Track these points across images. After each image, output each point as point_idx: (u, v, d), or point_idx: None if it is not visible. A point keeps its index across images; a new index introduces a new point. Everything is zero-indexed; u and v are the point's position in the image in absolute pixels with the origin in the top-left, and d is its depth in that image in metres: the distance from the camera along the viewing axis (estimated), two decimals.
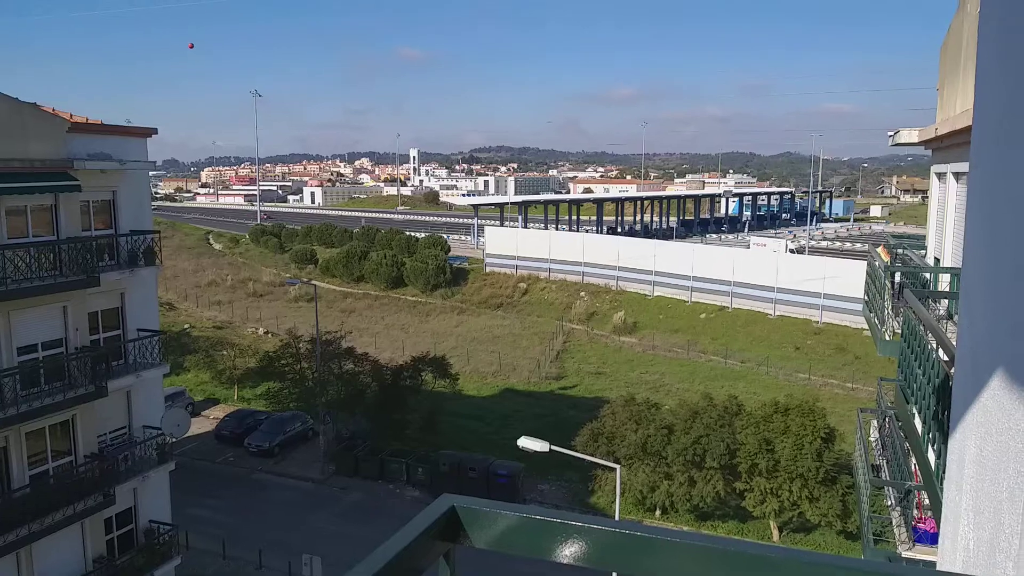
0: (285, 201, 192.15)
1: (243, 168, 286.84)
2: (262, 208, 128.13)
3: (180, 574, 25.19)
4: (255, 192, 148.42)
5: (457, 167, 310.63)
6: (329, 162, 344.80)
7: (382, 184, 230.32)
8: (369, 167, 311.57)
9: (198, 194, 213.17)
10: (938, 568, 2.24)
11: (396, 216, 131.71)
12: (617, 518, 21.61)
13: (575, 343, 56.51)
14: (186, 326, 59.76)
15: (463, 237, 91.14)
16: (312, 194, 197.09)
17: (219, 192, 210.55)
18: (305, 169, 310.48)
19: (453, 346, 53.43)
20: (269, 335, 57.03)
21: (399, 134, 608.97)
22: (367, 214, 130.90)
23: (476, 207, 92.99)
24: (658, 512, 31.52)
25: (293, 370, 40.68)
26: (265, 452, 37.93)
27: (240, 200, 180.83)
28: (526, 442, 21.32)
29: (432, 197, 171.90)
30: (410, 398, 38.46)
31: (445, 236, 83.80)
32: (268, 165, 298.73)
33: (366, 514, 32.13)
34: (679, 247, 68.69)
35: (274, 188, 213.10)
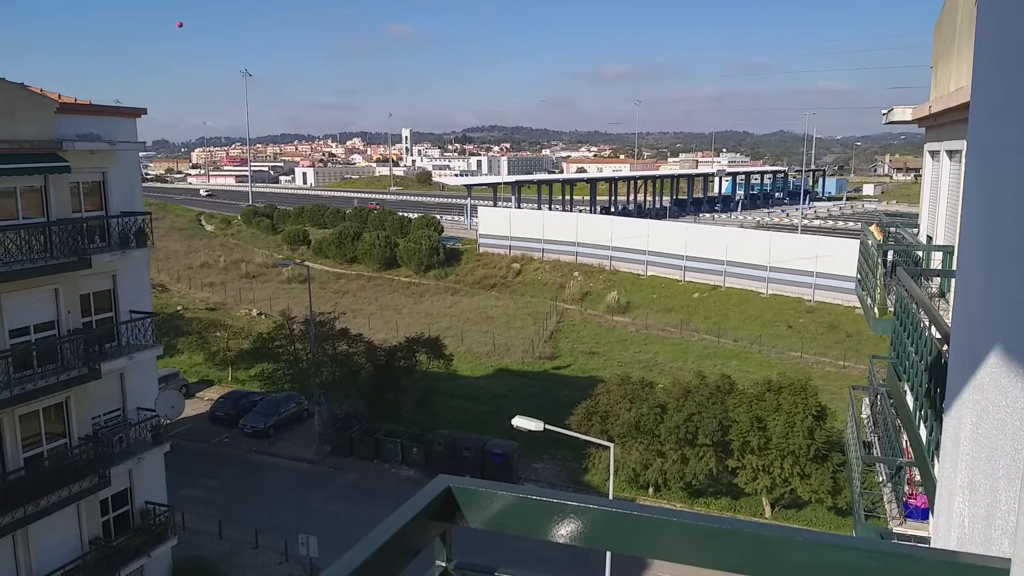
0: (276, 182, 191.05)
1: (234, 148, 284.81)
2: (255, 188, 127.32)
3: (177, 554, 25.33)
4: (247, 172, 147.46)
5: (450, 147, 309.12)
6: (321, 142, 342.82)
7: (374, 164, 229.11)
8: (361, 147, 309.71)
9: (189, 175, 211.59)
10: (932, 544, 2.26)
11: (389, 196, 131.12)
12: (611, 496, 21.80)
13: (569, 323, 56.62)
14: (179, 308, 59.60)
15: (456, 217, 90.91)
16: (304, 174, 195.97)
17: (210, 173, 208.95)
18: (297, 149, 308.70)
19: (447, 327, 53.47)
20: (262, 316, 56.97)
21: (391, 114, 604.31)
22: (359, 194, 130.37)
23: (469, 187, 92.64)
24: (651, 490, 31.77)
25: (287, 351, 40.67)
26: (260, 433, 38.01)
27: (232, 181, 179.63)
28: (520, 421, 21.42)
29: (425, 177, 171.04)
30: (404, 379, 38.52)
31: (438, 217, 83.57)
32: (259, 145, 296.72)
33: (361, 494, 32.31)
34: (672, 226, 68.69)
35: (266, 168, 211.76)
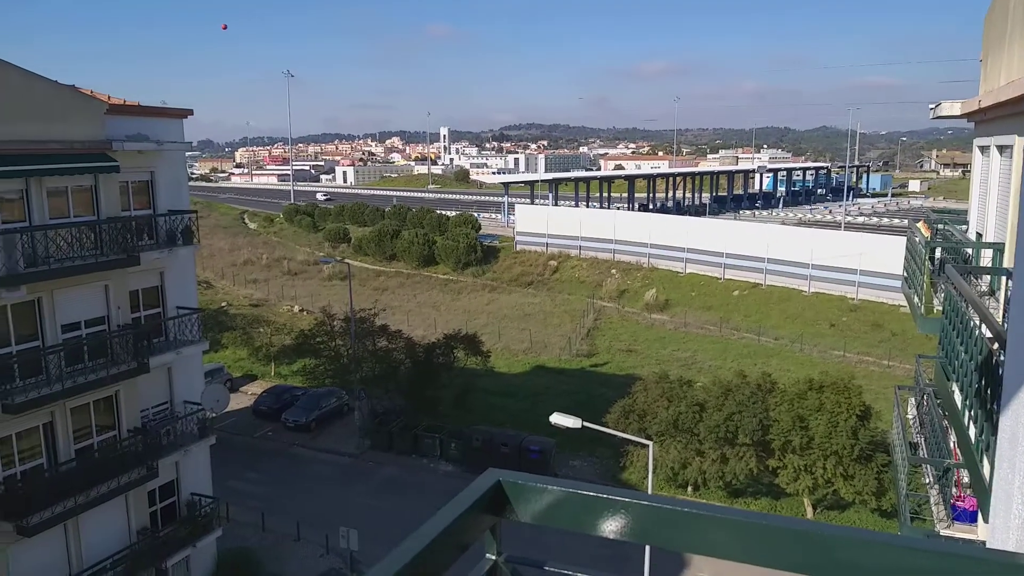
0: (317, 180, 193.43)
1: (276, 148, 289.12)
2: (305, 188, 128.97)
3: (221, 545, 25.84)
4: (288, 172, 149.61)
5: (487, 145, 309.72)
6: (360, 141, 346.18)
7: (413, 163, 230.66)
8: (400, 146, 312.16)
9: (232, 174, 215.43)
10: (988, 545, 2.22)
11: (427, 195, 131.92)
12: (649, 494, 21.64)
13: (606, 321, 56.33)
14: (223, 304, 60.73)
15: (493, 215, 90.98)
16: (344, 173, 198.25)
17: (253, 172, 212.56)
18: (337, 149, 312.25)
19: (484, 323, 53.58)
20: (304, 313, 57.73)
21: (429, 113, 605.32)
22: (398, 193, 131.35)
23: (506, 185, 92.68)
24: (690, 489, 31.47)
25: (328, 347, 41.16)
26: (302, 427, 38.58)
27: (274, 180, 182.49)
28: (558, 418, 21.38)
29: (462, 175, 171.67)
30: (443, 375, 38.75)
31: (475, 214, 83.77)
32: (301, 145, 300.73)
33: (401, 488, 32.60)
34: (712, 224, 67.88)
35: (307, 168, 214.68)
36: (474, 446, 34.01)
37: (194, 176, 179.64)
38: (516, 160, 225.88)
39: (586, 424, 21.54)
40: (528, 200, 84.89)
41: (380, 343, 39.89)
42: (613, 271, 63.98)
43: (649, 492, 21.98)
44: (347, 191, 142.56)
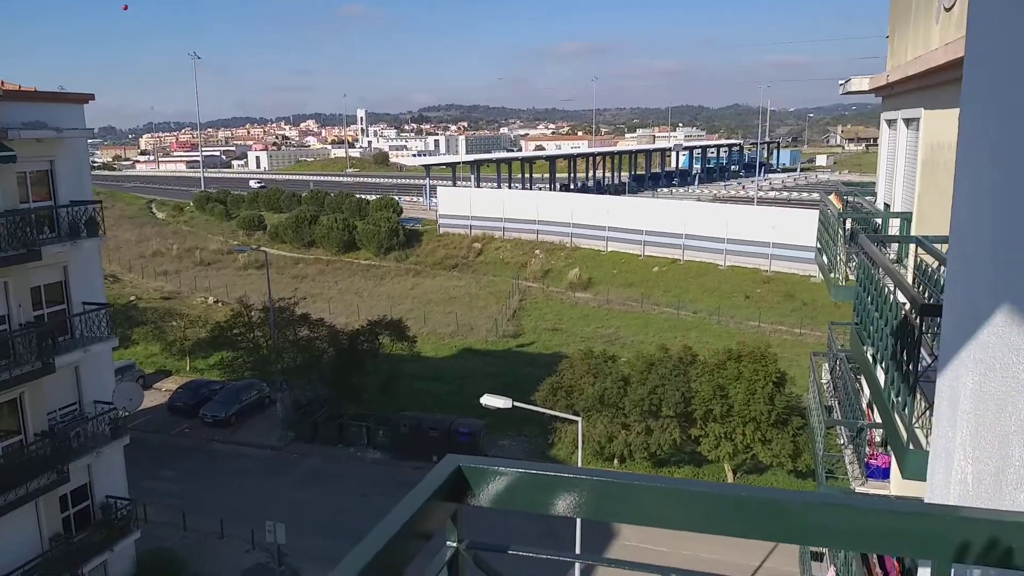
0: (229, 166, 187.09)
1: (184, 133, 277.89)
2: (217, 175, 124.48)
3: (140, 547, 24.93)
4: (198, 158, 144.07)
5: (406, 127, 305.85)
6: (273, 125, 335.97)
7: (329, 146, 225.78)
8: (315, 129, 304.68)
9: (137, 162, 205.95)
10: (927, 501, 2.27)
11: (345, 179, 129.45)
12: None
13: (531, 301, 56.76)
14: (132, 298, 58.20)
15: (415, 198, 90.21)
16: (257, 158, 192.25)
17: (159, 159, 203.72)
18: (249, 133, 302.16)
19: (409, 308, 53.21)
20: (219, 304, 55.94)
21: (345, 94, 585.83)
22: (315, 177, 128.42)
23: (428, 167, 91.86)
24: (616, 461, 32.23)
25: (246, 339, 40.04)
26: (221, 422, 37.44)
27: (183, 167, 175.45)
28: (489, 399, 21.47)
29: (382, 158, 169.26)
30: (367, 362, 38.27)
31: (397, 198, 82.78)
32: (210, 130, 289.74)
33: (326, 478, 32.12)
34: (631, 202, 69.11)
35: (217, 153, 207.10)
36: (402, 432, 33.80)
37: (96, 164, 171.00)
38: (436, 142, 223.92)
39: (516, 404, 21.68)
40: (450, 182, 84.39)
41: (301, 332, 39.05)
42: (537, 251, 64.43)
43: (579, 466, 22.35)
44: (262, 176, 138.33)
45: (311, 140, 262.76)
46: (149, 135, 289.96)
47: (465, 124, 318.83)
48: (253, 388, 39.64)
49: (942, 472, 2.14)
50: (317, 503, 29.45)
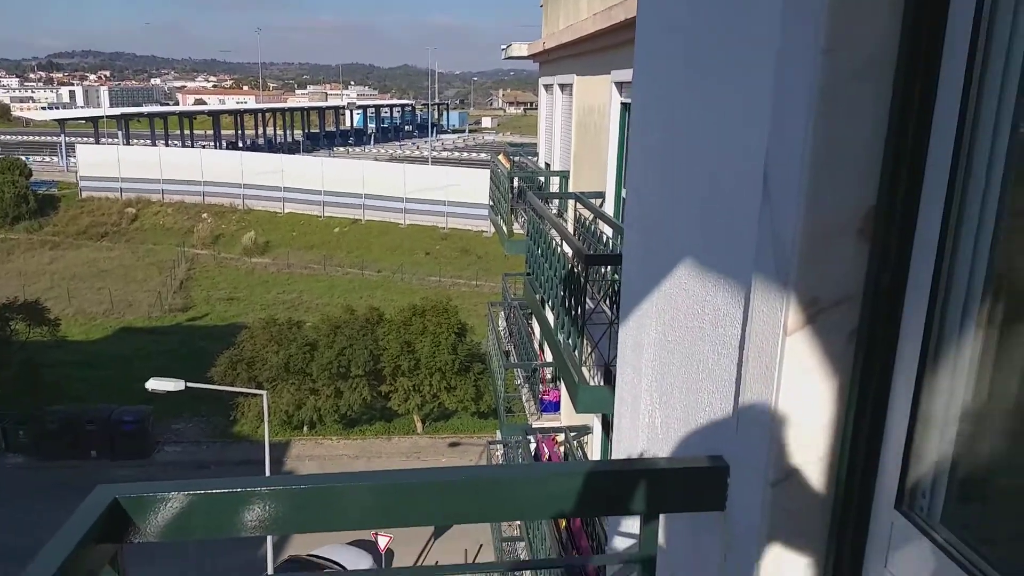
0: None
1: None
2: None
3: None
4: None
5: (32, 75, 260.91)
6: None
7: None
8: None
9: None
10: (616, 444, 2.38)
11: None
12: (267, 442, 21.11)
13: (201, 270, 52.66)
14: None
15: (48, 158, 77.99)
16: None
17: None
18: None
19: (48, 287, 46.34)
20: None
21: None
22: None
23: (62, 122, 79.40)
24: (306, 428, 31.68)
25: None
26: None
27: None
28: (156, 383, 19.53)
29: (3, 112, 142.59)
30: None
31: (24, 158, 70.46)
32: None
33: None
34: (307, 161, 66.98)
35: None
36: (50, 430, 29.44)
37: None
38: (72, 93, 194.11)
39: (189, 384, 20.01)
40: (92, 140, 74.08)
41: None
42: (204, 215, 59.63)
43: (266, 440, 21.43)
44: None
45: None
46: None
47: (108, 74, 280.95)
48: None
49: (628, 417, 2.23)
50: None
